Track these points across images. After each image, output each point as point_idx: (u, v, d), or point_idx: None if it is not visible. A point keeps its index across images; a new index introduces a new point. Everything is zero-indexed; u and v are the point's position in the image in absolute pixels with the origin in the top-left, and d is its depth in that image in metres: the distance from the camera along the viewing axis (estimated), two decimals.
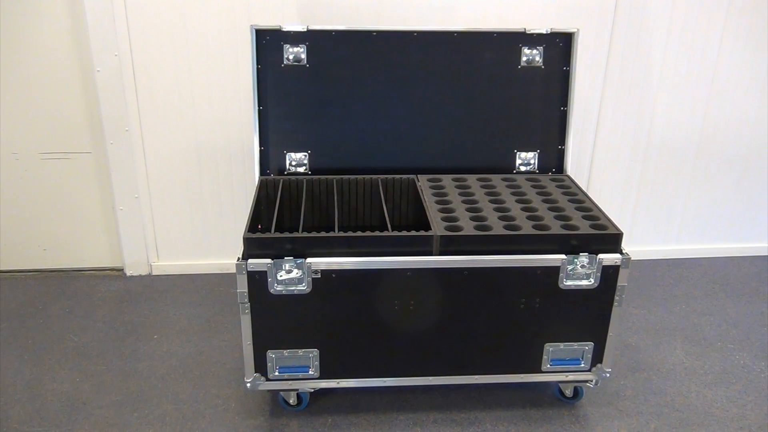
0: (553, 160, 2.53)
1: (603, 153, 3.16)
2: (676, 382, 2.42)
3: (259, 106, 2.37)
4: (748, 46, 3.03)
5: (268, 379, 2.07)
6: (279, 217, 2.15)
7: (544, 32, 2.41)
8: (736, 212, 3.40)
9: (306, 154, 2.43)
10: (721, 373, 2.49)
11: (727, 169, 3.29)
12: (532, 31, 2.40)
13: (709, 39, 2.99)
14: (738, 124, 3.19)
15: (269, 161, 2.43)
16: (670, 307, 2.97)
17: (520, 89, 2.47)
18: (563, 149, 2.51)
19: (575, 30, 2.41)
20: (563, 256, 1.96)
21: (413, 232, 1.95)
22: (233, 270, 2.95)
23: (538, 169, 2.53)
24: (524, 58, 2.43)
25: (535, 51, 2.43)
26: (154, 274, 3.17)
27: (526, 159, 2.52)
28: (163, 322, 2.76)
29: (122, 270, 3.19)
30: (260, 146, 2.39)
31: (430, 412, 2.22)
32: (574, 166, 3.13)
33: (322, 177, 2.40)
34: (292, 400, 2.20)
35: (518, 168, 2.53)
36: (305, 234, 1.93)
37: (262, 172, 2.43)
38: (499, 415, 2.21)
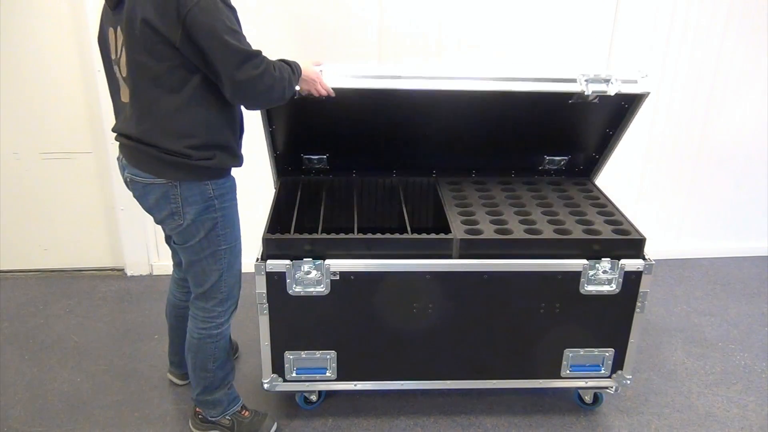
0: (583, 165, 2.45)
1: None
2: (677, 383, 2.42)
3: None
4: (748, 47, 3.03)
5: (285, 380, 2.07)
6: (297, 219, 2.13)
7: (611, 95, 2.01)
8: (736, 212, 3.40)
9: (324, 157, 2.37)
10: (722, 373, 2.49)
11: (727, 169, 3.29)
12: (593, 93, 2.00)
13: (709, 40, 2.99)
14: (738, 125, 3.19)
15: (287, 162, 2.38)
16: (671, 308, 2.97)
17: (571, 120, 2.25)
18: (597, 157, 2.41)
19: (647, 92, 2.03)
20: (585, 261, 1.95)
21: (433, 235, 1.94)
22: None
23: (566, 170, 2.46)
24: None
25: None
26: (154, 274, 3.16)
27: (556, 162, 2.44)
28: (164, 322, 2.74)
29: (123, 270, 3.18)
30: (277, 148, 2.32)
31: (431, 414, 2.22)
32: None
33: (342, 178, 2.38)
34: (314, 397, 2.22)
35: (545, 167, 2.45)
36: (324, 235, 1.93)
37: (281, 173, 2.40)
38: (500, 416, 2.21)
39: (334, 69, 1.92)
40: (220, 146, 1.72)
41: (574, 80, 1.99)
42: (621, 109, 2.15)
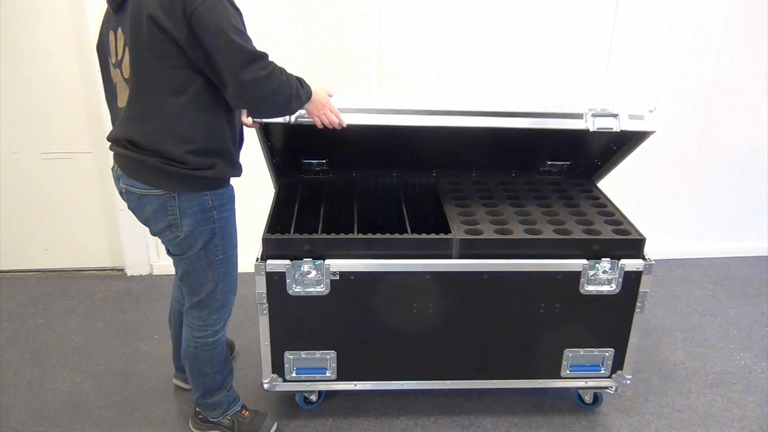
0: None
1: None
2: (677, 383, 2.42)
3: None
4: (748, 47, 3.03)
5: (285, 380, 2.07)
6: (297, 219, 2.13)
7: (615, 130, 2.01)
8: (736, 212, 3.40)
9: (323, 161, 2.35)
10: (722, 373, 2.49)
11: (727, 169, 3.29)
12: (600, 129, 2.00)
13: (710, 40, 2.99)
14: (738, 125, 3.19)
15: (286, 166, 2.36)
16: (671, 308, 2.96)
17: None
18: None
19: (653, 130, 2.04)
20: (585, 261, 1.95)
21: (433, 235, 1.94)
22: None
23: (567, 171, 2.44)
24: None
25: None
26: (154, 274, 3.16)
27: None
28: (164, 322, 2.75)
29: (123, 270, 3.18)
30: (275, 155, 2.29)
31: (431, 414, 2.22)
32: None
33: (342, 178, 2.37)
34: (313, 397, 2.22)
35: (546, 168, 2.43)
36: (324, 235, 1.92)
37: (281, 174, 2.38)
38: (500, 416, 2.21)
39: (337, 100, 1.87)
40: (220, 154, 1.69)
41: (580, 115, 1.97)
42: (627, 132, 2.12)
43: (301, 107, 1.73)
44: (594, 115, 1.97)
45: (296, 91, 1.66)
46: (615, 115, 1.98)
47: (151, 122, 1.62)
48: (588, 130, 1.97)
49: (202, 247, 1.75)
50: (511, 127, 1.96)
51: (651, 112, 2.01)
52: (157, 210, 1.70)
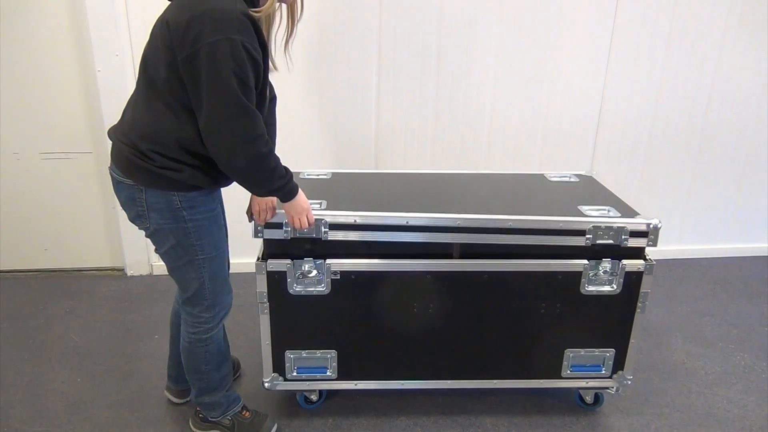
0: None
1: (604, 153, 3.16)
2: (677, 383, 2.42)
3: None
4: (748, 47, 3.03)
5: (286, 379, 2.07)
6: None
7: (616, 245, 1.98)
8: (736, 212, 3.40)
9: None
10: (722, 373, 2.49)
11: (728, 169, 3.30)
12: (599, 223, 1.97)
13: (710, 39, 2.99)
14: (738, 124, 3.19)
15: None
16: (671, 308, 2.97)
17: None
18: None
19: (653, 246, 1.98)
20: (585, 261, 1.95)
21: None
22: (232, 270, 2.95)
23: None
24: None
25: None
26: (154, 274, 3.17)
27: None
28: (164, 322, 2.76)
29: (123, 270, 3.18)
30: None
31: (431, 414, 2.22)
32: (575, 166, 3.14)
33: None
34: (314, 397, 2.22)
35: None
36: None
37: None
38: (500, 416, 2.21)
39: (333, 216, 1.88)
40: (193, 166, 1.66)
41: (582, 232, 1.92)
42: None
43: (282, 190, 1.70)
44: (596, 228, 1.93)
45: (275, 172, 1.63)
46: (619, 233, 1.94)
47: (138, 113, 1.65)
48: (589, 245, 1.95)
49: (176, 244, 1.74)
50: (511, 243, 1.93)
51: (657, 227, 1.95)
52: (128, 198, 1.72)
